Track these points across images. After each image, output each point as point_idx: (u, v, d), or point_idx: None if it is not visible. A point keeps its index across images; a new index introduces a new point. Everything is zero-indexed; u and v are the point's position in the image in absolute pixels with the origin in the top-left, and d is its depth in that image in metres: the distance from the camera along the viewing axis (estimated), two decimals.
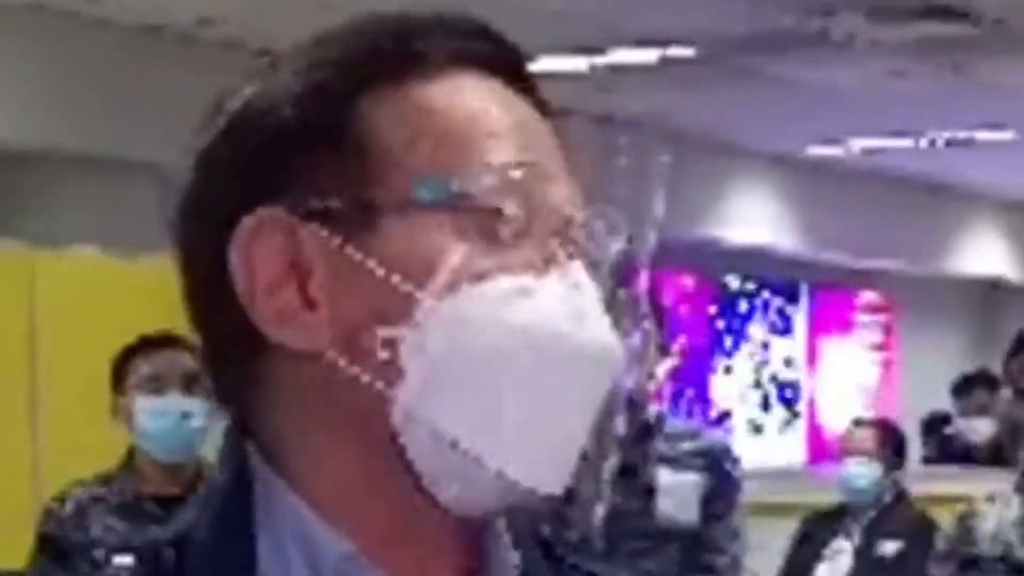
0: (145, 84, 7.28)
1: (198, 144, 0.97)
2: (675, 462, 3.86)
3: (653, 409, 3.93)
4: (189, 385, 3.57)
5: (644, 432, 3.87)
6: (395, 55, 0.96)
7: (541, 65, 8.23)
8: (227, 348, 0.96)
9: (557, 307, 0.93)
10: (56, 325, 5.37)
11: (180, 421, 3.56)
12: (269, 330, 0.93)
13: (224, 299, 0.94)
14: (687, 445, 3.88)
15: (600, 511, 3.69)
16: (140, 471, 3.62)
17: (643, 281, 1.04)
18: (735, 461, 3.97)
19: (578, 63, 8.14)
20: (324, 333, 0.92)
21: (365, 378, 0.91)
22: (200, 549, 0.95)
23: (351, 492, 0.94)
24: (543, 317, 0.92)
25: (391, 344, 0.91)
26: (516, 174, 0.94)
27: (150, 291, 5.66)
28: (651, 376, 3.95)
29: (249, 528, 0.94)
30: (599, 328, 0.95)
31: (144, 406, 3.56)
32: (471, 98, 0.96)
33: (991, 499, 3.55)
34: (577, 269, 0.95)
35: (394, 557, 0.94)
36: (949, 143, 10.61)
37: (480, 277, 0.92)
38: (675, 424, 3.98)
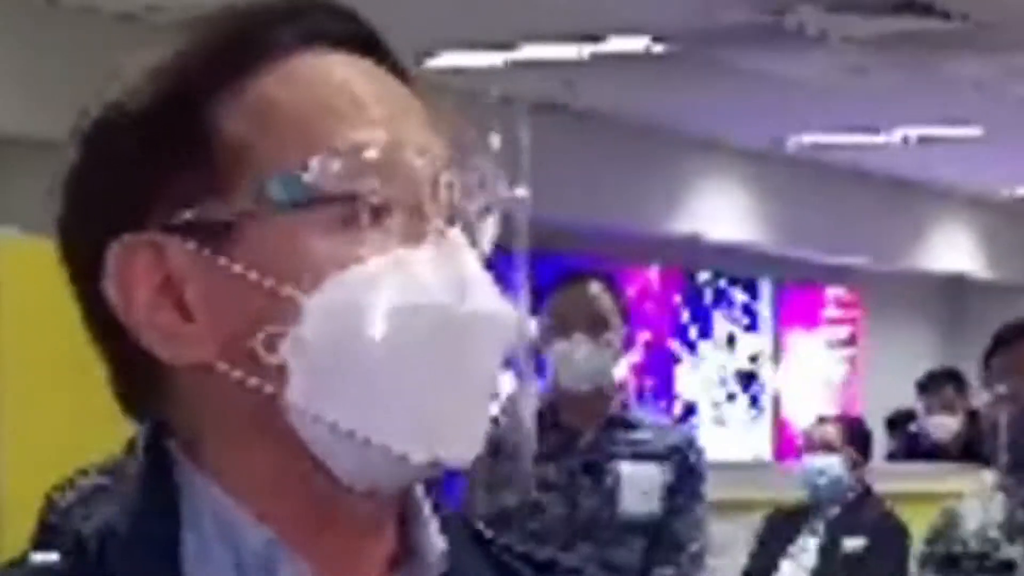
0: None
1: (68, 152, 0.97)
2: (639, 454, 3.84)
3: (617, 400, 3.91)
4: None
5: (608, 423, 3.85)
6: (237, 49, 0.95)
7: (512, 55, 8.20)
8: (125, 361, 0.96)
9: (432, 279, 0.92)
10: (19, 313, 5.33)
11: None
12: (156, 350, 0.94)
13: (113, 318, 0.95)
14: (651, 436, 3.86)
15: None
16: None
17: (522, 236, 1.00)
18: (700, 453, 3.95)
19: (543, 53, 8.11)
20: (208, 345, 0.93)
21: (253, 383, 0.92)
22: (122, 541, 0.95)
23: (266, 485, 0.94)
24: (417, 292, 0.92)
25: (271, 345, 0.92)
26: (369, 153, 0.93)
27: None
28: (616, 366, 3.94)
29: (172, 520, 0.94)
30: (482, 294, 0.93)
31: None
32: (316, 79, 0.95)
33: (973, 497, 3.55)
34: (452, 235, 0.94)
35: (316, 545, 0.94)
36: (917, 139, 10.63)
37: (349, 263, 0.92)
38: (639, 415, 3.97)
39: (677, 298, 12.14)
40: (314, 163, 0.92)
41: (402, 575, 0.97)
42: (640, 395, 11.60)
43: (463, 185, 0.95)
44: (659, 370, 11.87)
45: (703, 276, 12.32)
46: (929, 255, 13.13)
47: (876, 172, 11.83)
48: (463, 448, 0.94)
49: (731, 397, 12.54)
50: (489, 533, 1.03)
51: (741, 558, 5.55)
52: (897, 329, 13.76)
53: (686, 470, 3.86)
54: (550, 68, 8.35)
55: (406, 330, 0.91)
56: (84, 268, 0.96)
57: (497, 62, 8.20)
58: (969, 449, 6.94)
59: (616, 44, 8.06)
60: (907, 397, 9.13)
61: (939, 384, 7.29)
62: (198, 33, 0.96)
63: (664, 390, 11.93)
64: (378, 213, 0.93)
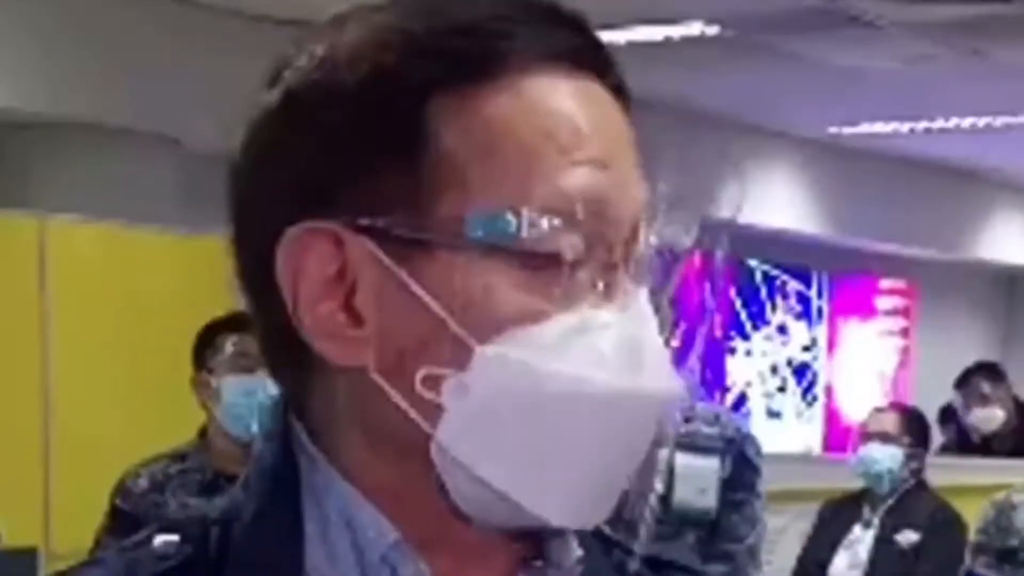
0: (165, 56, 7.21)
1: (252, 119, 0.92)
2: (694, 447, 3.78)
3: None
4: None
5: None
6: (469, 55, 0.89)
7: None
8: (278, 339, 0.94)
9: (611, 347, 0.89)
10: (66, 297, 5.35)
11: (266, 400, 3.47)
12: (311, 340, 0.91)
13: (274, 294, 0.91)
14: (707, 429, 3.80)
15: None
16: (215, 449, 3.57)
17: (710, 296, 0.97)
18: (757, 447, 3.89)
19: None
20: (367, 351, 0.90)
21: (406, 407, 0.89)
22: (246, 528, 0.93)
23: (394, 491, 0.92)
24: (594, 361, 0.88)
25: (433, 382, 0.88)
26: (580, 215, 0.88)
27: (162, 263, 5.66)
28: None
29: (296, 510, 0.92)
30: (656, 369, 0.90)
31: (231, 383, 3.50)
32: (545, 106, 0.89)
33: None
34: (640, 297, 0.91)
35: (439, 551, 0.92)
36: (973, 128, 10.52)
37: (534, 319, 0.88)
38: (694, 406, 3.91)
39: (730, 287, 12.06)
40: (524, 212, 0.87)
41: (531, 571, 0.95)
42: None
43: (659, 228, 0.92)
44: (710, 360, 11.80)
45: (756, 265, 12.24)
46: (984, 245, 13.00)
47: (932, 161, 11.72)
48: (601, 516, 0.92)
49: (782, 388, 12.46)
50: (612, 533, 1.01)
51: (793, 549, 5.50)
52: (951, 320, 13.65)
53: (743, 463, 3.79)
54: None
55: (576, 401, 0.88)
56: (257, 244, 0.92)
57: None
58: (1022, 442, 6.88)
59: (670, 29, 8.01)
60: None
61: (971, 378, 7.22)
62: (427, 19, 0.90)
63: (716, 380, 11.86)
64: (573, 270, 0.89)
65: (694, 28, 8.02)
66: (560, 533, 0.95)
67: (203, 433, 3.62)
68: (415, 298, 0.88)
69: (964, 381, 7.25)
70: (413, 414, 0.89)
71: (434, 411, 0.89)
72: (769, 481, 6.19)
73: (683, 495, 3.74)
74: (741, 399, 12.07)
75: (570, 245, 0.88)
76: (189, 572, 0.93)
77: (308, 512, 0.92)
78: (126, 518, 3.47)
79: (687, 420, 3.82)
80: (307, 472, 0.93)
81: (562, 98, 0.90)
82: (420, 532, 0.92)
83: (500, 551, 0.94)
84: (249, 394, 3.49)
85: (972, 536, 4.60)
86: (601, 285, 0.90)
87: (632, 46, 8.24)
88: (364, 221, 0.89)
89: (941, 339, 13.28)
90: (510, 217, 0.88)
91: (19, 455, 5.15)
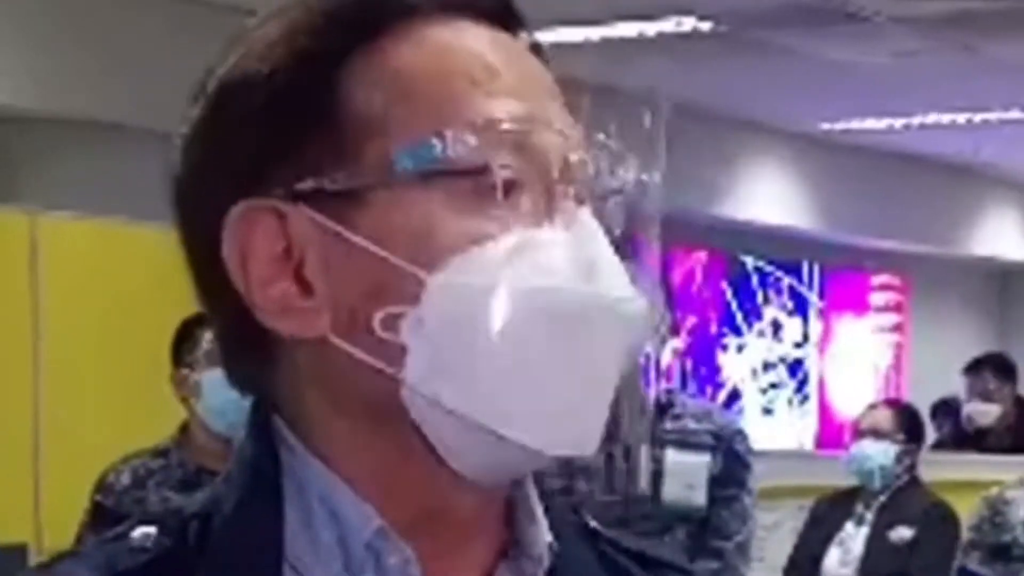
0: (158, 51, 7.20)
1: (187, 119, 0.95)
2: (684, 443, 3.77)
3: (663, 386, 3.84)
4: None
5: (657, 411, 3.78)
6: (370, 13, 0.93)
7: (551, 36, 8.13)
8: (237, 332, 0.94)
9: (561, 262, 0.89)
10: (58, 293, 5.32)
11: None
12: (269, 320, 0.91)
13: (226, 286, 0.92)
14: (697, 425, 3.79)
15: (644, 458, 3.62)
16: (195, 444, 3.55)
17: (655, 225, 0.97)
18: (747, 442, 3.88)
19: (590, 34, 8.05)
20: (324, 318, 0.90)
21: (368, 359, 0.89)
22: (225, 519, 0.93)
23: (375, 470, 0.91)
24: (545, 274, 0.89)
25: (391, 323, 0.89)
26: (503, 125, 0.90)
27: (152, 258, 5.64)
28: (663, 346, 3.87)
29: (277, 501, 0.92)
30: (611, 279, 0.90)
31: (212, 377, 3.46)
32: (451, 47, 0.92)
33: (1019, 486, 3.47)
34: (583, 215, 0.91)
35: (422, 534, 0.92)
36: (967, 123, 10.52)
37: (476, 242, 0.89)
38: (685, 403, 3.89)
39: (723, 283, 12.05)
40: (447, 134, 0.89)
41: (509, 567, 0.94)
42: (684, 381, 11.53)
43: (595, 164, 0.92)
44: (704, 356, 11.79)
45: (751, 261, 12.23)
46: (977, 241, 13.00)
47: (925, 156, 11.71)
48: (584, 440, 0.91)
49: (775, 384, 12.46)
50: (598, 526, 1.00)
51: (786, 546, 5.49)
52: (944, 316, 13.65)
53: (733, 460, 3.79)
54: (592, 48, 8.28)
55: (532, 314, 0.88)
56: (200, 233, 0.93)
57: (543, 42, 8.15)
58: (1019, 437, 6.87)
59: (662, 24, 8.00)
60: (953, 385, 9.03)
61: (982, 370, 7.22)
62: None
63: (709, 376, 11.85)
64: (508, 189, 0.90)
65: (687, 24, 8.01)
66: (532, 516, 0.94)
67: (184, 429, 3.60)
68: (361, 250, 0.89)
69: (973, 369, 7.24)
70: (378, 363, 0.89)
71: (398, 356, 0.89)
72: (762, 477, 6.19)
73: (673, 491, 3.73)
74: (734, 395, 12.07)
75: (499, 162, 0.89)
76: (167, 564, 0.93)
77: (290, 503, 0.92)
78: (108, 514, 3.46)
79: (677, 417, 3.80)
80: (288, 463, 0.93)
81: (468, 40, 0.93)
82: (403, 515, 0.91)
83: (484, 535, 0.94)
84: (230, 388, 3.44)
85: (965, 533, 4.60)
86: (541, 206, 0.90)
87: (625, 42, 8.24)
88: (300, 187, 0.90)
89: (935, 335, 13.28)
90: (434, 141, 0.89)
91: (9, 452, 5.13)
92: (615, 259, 0.91)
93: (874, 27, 7.95)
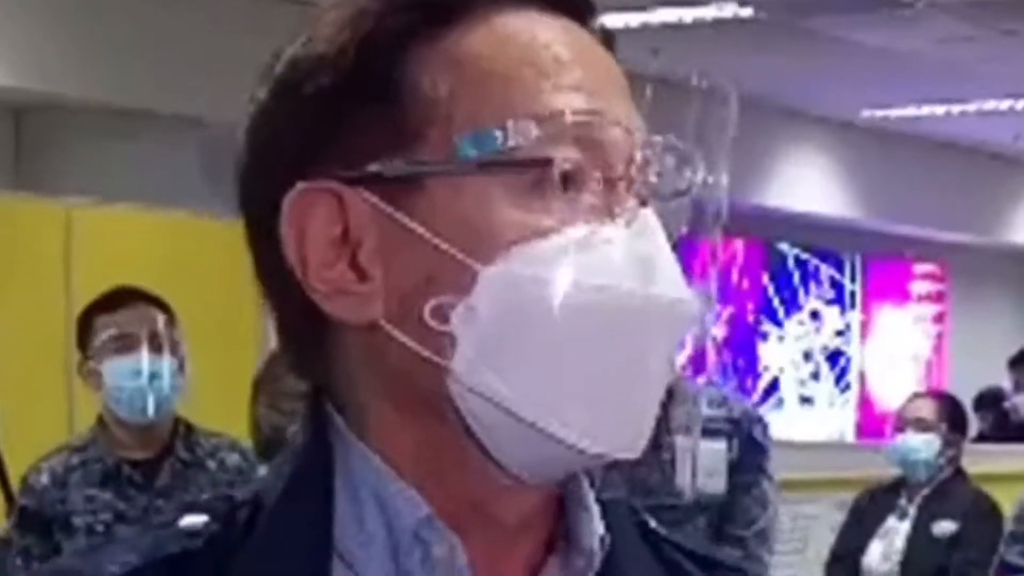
0: (188, 37, 7.18)
1: (249, 106, 0.95)
2: (702, 430, 3.72)
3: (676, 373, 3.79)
4: (156, 342, 3.41)
5: (667, 397, 3.72)
6: (438, 2, 0.92)
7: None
8: (294, 317, 0.94)
9: (620, 259, 0.88)
10: (93, 280, 5.32)
11: (149, 380, 3.39)
12: (322, 303, 0.91)
13: (284, 269, 0.92)
14: (713, 412, 3.74)
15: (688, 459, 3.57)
16: (112, 437, 3.46)
17: (719, 223, 0.93)
18: (764, 427, 3.83)
19: (629, 20, 8.01)
20: (377, 304, 0.90)
21: (418, 348, 0.89)
22: (274, 507, 0.92)
23: (424, 459, 0.91)
24: (603, 272, 0.88)
25: (442, 312, 0.88)
26: (569, 119, 0.89)
27: (187, 246, 5.63)
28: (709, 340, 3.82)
29: (327, 489, 0.91)
30: (668, 280, 0.89)
31: (112, 366, 3.39)
32: (518, 37, 0.91)
33: None
34: (645, 214, 0.90)
35: (471, 525, 0.91)
36: (1008, 110, 10.43)
37: (535, 235, 0.88)
38: (698, 388, 3.84)
39: (762, 272, 11.98)
40: (511, 124, 0.88)
41: (559, 561, 0.93)
42: (723, 371, 11.47)
43: (661, 164, 0.91)
44: (743, 346, 11.73)
45: (790, 250, 12.16)
46: (1019, 229, 12.90)
47: (966, 143, 11.63)
48: (634, 441, 0.90)
49: (815, 375, 12.38)
50: (655, 524, 0.99)
51: (827, 538, 5.44)
52: (985, 305, 13.55)
53: (750, 445, 3.74)
54: (635, 35, 8.24)
55: (586, 310, 0.87)
56: (261, 214, 0.92)
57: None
58: None
59: (703, 11, 7.96)
60: (995, 375, 8.97)
61: None
62: None
63: (748, 366, 11.78)
64: (570, 183, 0.89)
65: (727, 10, 7.96)
66: (585, 509, 0.93)
67: (100, 420, 3.51)
68: (417, 237, 0.88)
69: (1021, 361, 7.18)
70: (427, 352, 0.88)
71: (448, 346, 0.88)
72: (802, 469, 6.15)
73: (687, 478, 3.68)
74: (773, 385, 12.00)
75: (563, 155, 0.88)
76: (215, 550, 0.93)
77: (340, 491, 0.91)
78: (31, 515, 3.41)
79: (693, 404, 3.75)
80: (339, 451, 0.92)
81: (539, 30, 0.92)
82: (452, 507, 0.90)
83: (533, 528, 0.93)
84: (133, 374, 3.39)
85: (1008, 525, 4.54)
86: (603, 202, 0.89)
87: (665, 27, 8.18)
88: (359, 171, 0.90)
89: (975, 324, 13.19)
90: (497, 132, 0.88)
91: (44, 441, 5.13)
92: (673, 259, 0.90)
93: (915, 13, 7.88)
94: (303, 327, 0.93)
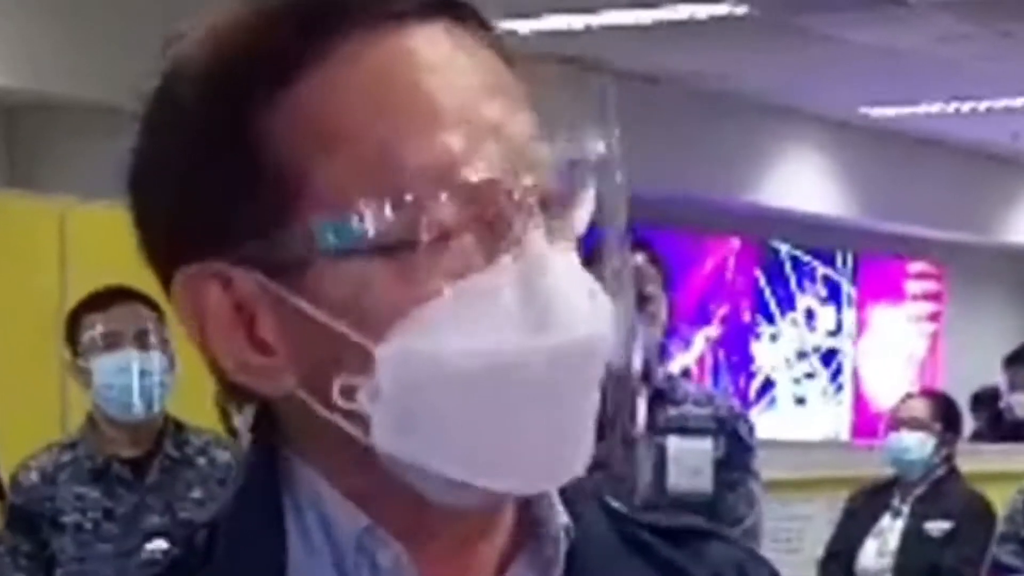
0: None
1: (135, 137, 0.91)
2: (685, 428, 3.72)
3: (662, 374, 3.79)
4: (145, 340, 3.43)
5: (653, 398, 3.73)
6: (289, 45, 0.85)
7: (587, 20, 8.08)
8: (223, 380, 0.91)
9: (507, 310, 0.84)
10: (88, 280, 5.31)
11: (139, 378, 3.40)
12: (233, 378, 0.89)
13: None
14: (698, 410, 3.74)
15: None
16: (102, 435, 3.47)
17: (621, 210, 0.91)
18: (749, 424, 3.83)
19: (623, 18, 8.00)
20: (287, 377, 0.88)
21: (338, 422, 0.87)
22: (227, 528, 0.92)
23: (365, 493, 0.89)
24: (491, 329, 0.84)
25: (350, 393, 0.86)
26: (431, 199, 0.83)
27: None
28: (660, 339, 3.81)
29: (276, 509, 0.91)
30: (564, 319, 0.85)
31: (101, 364, 3.40)
32: (384, 76, 0.85)
33: None
34: (533, 241, 0.85)
35: (419, 541, 0.90)
36: (1003, 109, 10.43)
37: (419, 301, 0.84)
38: (687, 388, 3.84)
39: (756, 271, 11.98)
40: (366, 212, 0.84)
41: (528, 550, 0.92)
42: (716, 370, 11.47)
43: (554, 163, 0.86)
44: (737, 345, 11.72)
45: (784, 249, 12.15)
46: (1015, 228, 12.91)
47: (962, 142, 11.63)
48: (564, 472, 0.88)
49: (810, 374, 12.38)
50: (619, 506, 0.98)
51: (821, 537, 5.45)
52: (980, 304, 13.55)
53: (736, 443, 3.74)
54: (628, 33, 8.24)
55: (484, 372, 0.84)
56: (161, 274, 0.90)
57: (577, 26, 8.11)
58: None
59: (698, 8, 7.95)
60: (990, 375, 8.95)
61: (1022, 361, 7.15)
62: (251, 28, 0.87)
63: (742, 365, 11.78)
64: (447, 242, 0.84)
65: (723, 8, 7.95)
66: (548, 497, 0.92)
67: (91, 419, 3.52)
68: (308, 315, 0.85)
69: (1016, 360, 7.17)
70: (347, 426, 0.86)
71: (364, 421, 0.86)
72: (797, 468, 6.14)
73: (679, 479, 3.68)
74: (768, 384, 11.99)
75: (427, 224, 0.84)
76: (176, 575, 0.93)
77: (289, 512, 0.91)
78: (20, 513, 3.42)
79: (678, 403, 3.75)
80: (286, 472, 0.91)
81: (399, 61, 0.85)
82: (395, 524, 0.89)
83: (487, 535, 0.92)
84: (121, 372, 3.40)
85: (999, 524, 4.54)
86: (487, 242, 0.85)
87: (659, 25, 8.18)
88: (237, 252, 0.86)
89: (971, 324, 13.19)
90: (354, 219, 0.84)
91: (37, 439, 5.12)
92: (569, 289, 0.86)
93: (912, 12, 7.88)
94: (235, 387, 0.91)
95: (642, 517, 0.98)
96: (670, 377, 3.84)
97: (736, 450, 3.73)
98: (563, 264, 0.86)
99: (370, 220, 0.83)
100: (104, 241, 5.49)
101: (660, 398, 3.72)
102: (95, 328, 3.43)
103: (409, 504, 0.88)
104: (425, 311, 0.84)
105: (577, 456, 0.88)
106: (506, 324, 0.84)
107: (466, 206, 0.84)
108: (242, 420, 3.45)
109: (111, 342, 3.41)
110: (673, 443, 3.67)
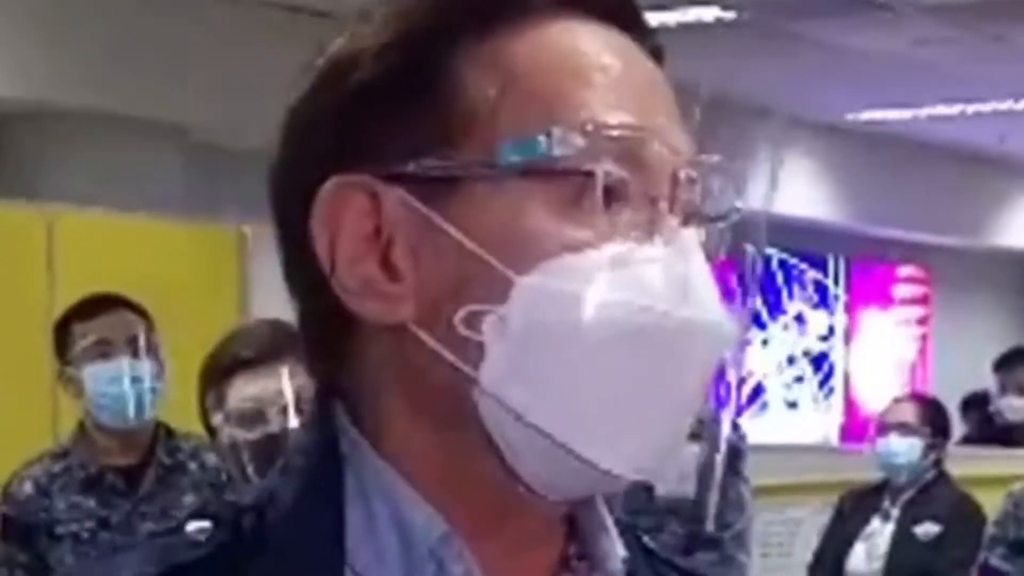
0: (170, 44, 7.16)
1: (288, 105, 0.93)
2: None
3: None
4: (136, 347, 3.42)
5: None
6: (490, 3, 0.90)
7: None
8: (318, 317, 0.92)
9: (656, 279, 0.87)
10: (75, 287, 5.31)
11: (131, 385, 3.40)
12: (351, 301, 0.89)
13: (313, 267, 0.90)
14: None
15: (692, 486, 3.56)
16: (94, 444, 3.46)
17: (760, 244, 0.92)
18: (739, 430, 3.82)
19: None
20: (407, 305, 0.88)
21: (446, 354, 0.87)
22: (285, 515, 0.90)
23: (442, 471, 0.89)
24: (638, 291, 0.86)
25: (473, 320, 0.86)
26: (613, 133, 0.87)
27: (170, 252, 5.62)
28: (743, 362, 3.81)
29: (339, 498, 0.90)
30: (704, 302, 0.88)
31: (93, 372, 3.40)
32: (568, 46, 0.90)
33: None
34: (685, 235, 0.89)
35: (486, 542, 0.90)
36: (991, 112, 10.44)
37: (572, 248, 0.86)
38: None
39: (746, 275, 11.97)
40: (555, 132, 0.86)
41: (580, 572, 0.92)
42: None
43: (705, 184, 0.90)
44: None
45: (773, 253, 12.15)
46: (1003, 232, 12.92)
47: (950, 146, 11.64)
48: (660, 465, 0.88)
49: (800, 378, 12.38)
50: (654, 546, 0.98)
51: (811, 541, 5.45)
52: (969, 308, 13.56)
53: (725, 448, 3.73)
54: None
55: (620, 329, 0.85)
56: (292, 209, 0.91)
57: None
58: None
59: (685, 14, 7.95)
60: (979, 378, 8.95)
61: (1014, 363, 7.14)
62: None
63: None
64: (611, 198, 0.87)
65: (710, 13, 7.95)
66: (605, 529, 0.92)
67: (82, 427, 3.51)
68: (452, 240, 0.86)
69: (1006, 364, 7.17)
70: (455, 359, 0.86)
71: (477, 354, 0.86)
72: (787, 472, 6.14)
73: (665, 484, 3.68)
74: (758, 389, 11.99)
75: (605, 170, 0.86)
76: (223, 558, 0.91)
77: (351, 503, 0.89)
78: (14, 525, 3.40)
79: None
80: (351, 459, 0.90)
81: (590, 42, 0.90)
82: (467, 519, 0.89)
83: (548, 545, 0.92)
84: (114, 380, 3.40)
85: (989, 528, 4.54)
86: (643, 220, 0.88)
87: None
88: (398, 168, 0.88)
89: (959, 327, 13.19)
90: (541, 139, 0.86)
91: (28, 449, 5.11)
92: (711, 282, 0.88)
93: (898, 16, 7.89)
94: (327, 327, 0.91)
95: (677, 561, 0.99)
96: None
97: (725, 455, 3.73)
98: (705, 264, 0.89)
99: (554, 142, 0.86)
100: (93, 248, 5.51)
101: None
102: (86, 337, 3.42)
103: (486, 486, 0.88)
104: (578, 257, 0.85)
105: (675, 452, 0.88)
106: (650, 292, 0.86)
107: (637, 175, 0.87)
108: (221, 416, 3.46)
109: (103, 351, 3.41)
110: None
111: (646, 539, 0.98)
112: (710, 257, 0.89)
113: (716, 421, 3.63)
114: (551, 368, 0.85)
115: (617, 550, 0.92)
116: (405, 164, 0.87)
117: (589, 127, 0.87)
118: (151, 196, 6.67)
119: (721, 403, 3.68)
